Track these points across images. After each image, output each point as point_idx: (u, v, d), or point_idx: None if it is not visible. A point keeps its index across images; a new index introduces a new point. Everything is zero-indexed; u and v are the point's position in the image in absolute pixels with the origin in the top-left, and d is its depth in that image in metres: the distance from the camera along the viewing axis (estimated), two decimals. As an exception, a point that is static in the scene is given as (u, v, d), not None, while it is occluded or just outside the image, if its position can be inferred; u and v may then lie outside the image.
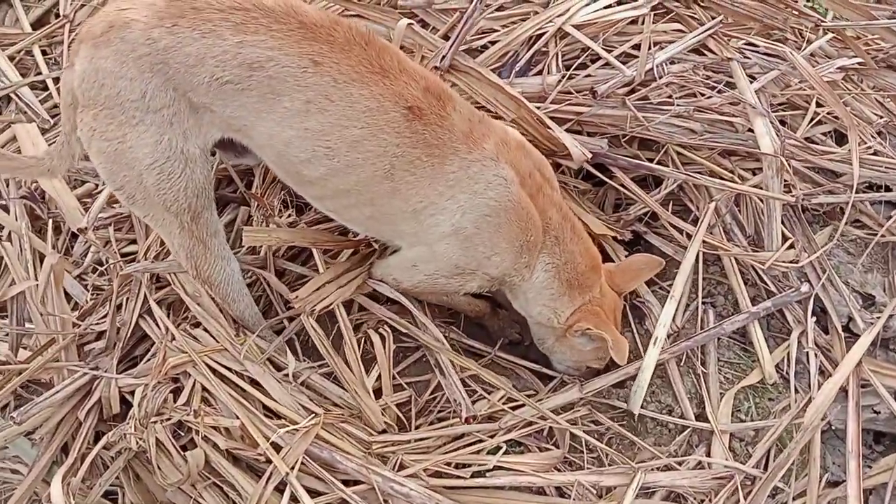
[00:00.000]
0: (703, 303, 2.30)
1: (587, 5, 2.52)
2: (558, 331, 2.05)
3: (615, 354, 1.92)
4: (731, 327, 2.23)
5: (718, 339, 2.23)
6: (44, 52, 2.95)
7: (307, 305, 2.03)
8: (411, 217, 1.86)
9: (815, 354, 2.19)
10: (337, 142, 1.74)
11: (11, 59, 2.90)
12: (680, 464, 2.02)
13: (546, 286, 1.97)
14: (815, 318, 2.26)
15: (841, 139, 2.62)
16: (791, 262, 2.27)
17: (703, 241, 2.26)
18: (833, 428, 2.14)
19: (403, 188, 1.81)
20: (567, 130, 2.30)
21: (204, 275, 1.98)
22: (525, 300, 2.04)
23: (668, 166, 2.38)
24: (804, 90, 2.55)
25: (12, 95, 2.79)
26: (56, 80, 2.84)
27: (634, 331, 2.29)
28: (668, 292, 2.24)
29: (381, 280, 2.12)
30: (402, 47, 2.43)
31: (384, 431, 1.99)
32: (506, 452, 1.99)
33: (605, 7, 2.54)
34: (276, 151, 1.81)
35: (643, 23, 2.53)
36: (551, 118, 2.28)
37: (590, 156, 2.23)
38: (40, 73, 2.87)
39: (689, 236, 2.33)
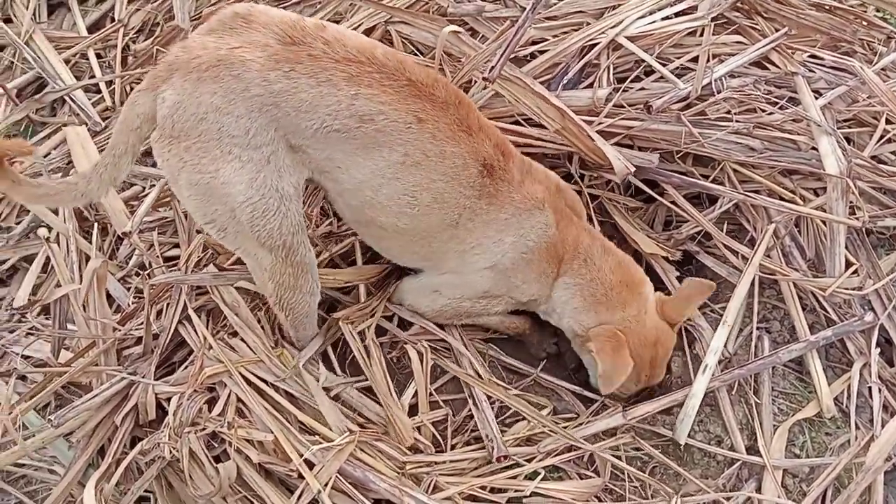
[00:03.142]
0: (758, 328, 2.20)
1: (643, 17, 2.42)
2: (582, 339, 2.06)
3: (600, 382, 1.94)
4: (788, 356, 2.12)
5: (773, 367, 2.13)
6: (98, 56, 2.99)
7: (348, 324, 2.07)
8: (458, 256, 1.99)
9: (879, 389, 2.08)
10: (423, 193, 1.84)
11: (67, 62, 2.95)
12: (728, 499, 1.93)
13: (567, 301, 2.04)
14: (878, 350, 2.14)
15: (910, 158, 2.48)
16: (854, 288, 2.14)
17: (760, 265, 2.17)
18: (896, 468, 2.02)
19: (462, 234, 1.94)
20: (617, 144, 2.22)
21: (286, 306, 1.95)
22: (558, 316, 2.10)
23: (723, 184, 2.28)
24: (873, 106, 2.42)
25: (66, 98, 2.83)
26: (109, 84, 2.88)
27: (685, 355, 2.19)
28: (721, 316, 2.15)
29: (399, 304, 2.19)
30: (448, 54, 2.38)
31: (419, 451, 1.95)
32: (544, 478, 1.94)
33: (663, 18, 2.44)
34: (360, 197, 1.85)
35: (702, 34, 2.42)
36: (601, 132, 2.20)
37: (633, 169, 2.15)
38: (94, 77, 2.90)
39: (744, 258, 2.24)
